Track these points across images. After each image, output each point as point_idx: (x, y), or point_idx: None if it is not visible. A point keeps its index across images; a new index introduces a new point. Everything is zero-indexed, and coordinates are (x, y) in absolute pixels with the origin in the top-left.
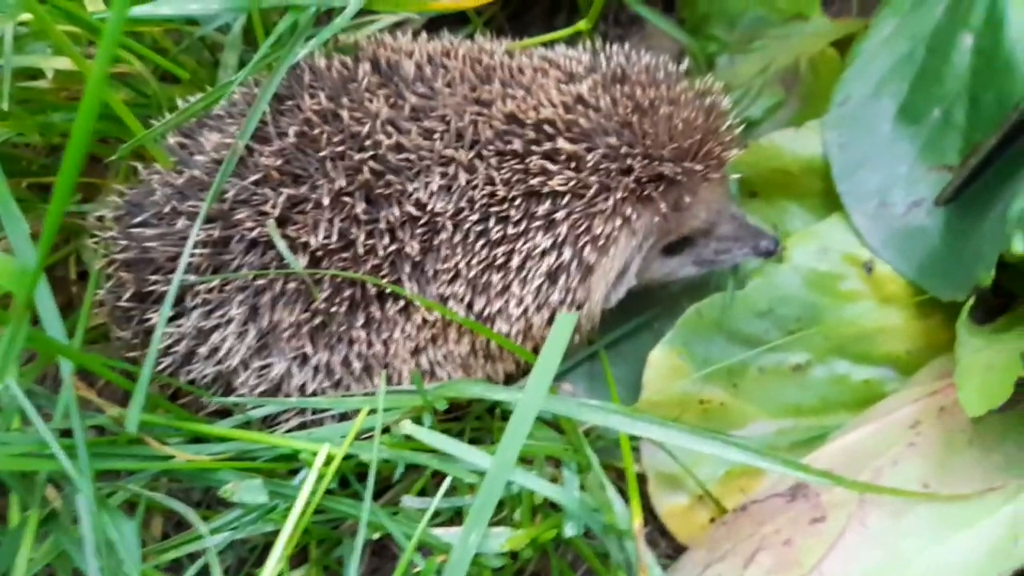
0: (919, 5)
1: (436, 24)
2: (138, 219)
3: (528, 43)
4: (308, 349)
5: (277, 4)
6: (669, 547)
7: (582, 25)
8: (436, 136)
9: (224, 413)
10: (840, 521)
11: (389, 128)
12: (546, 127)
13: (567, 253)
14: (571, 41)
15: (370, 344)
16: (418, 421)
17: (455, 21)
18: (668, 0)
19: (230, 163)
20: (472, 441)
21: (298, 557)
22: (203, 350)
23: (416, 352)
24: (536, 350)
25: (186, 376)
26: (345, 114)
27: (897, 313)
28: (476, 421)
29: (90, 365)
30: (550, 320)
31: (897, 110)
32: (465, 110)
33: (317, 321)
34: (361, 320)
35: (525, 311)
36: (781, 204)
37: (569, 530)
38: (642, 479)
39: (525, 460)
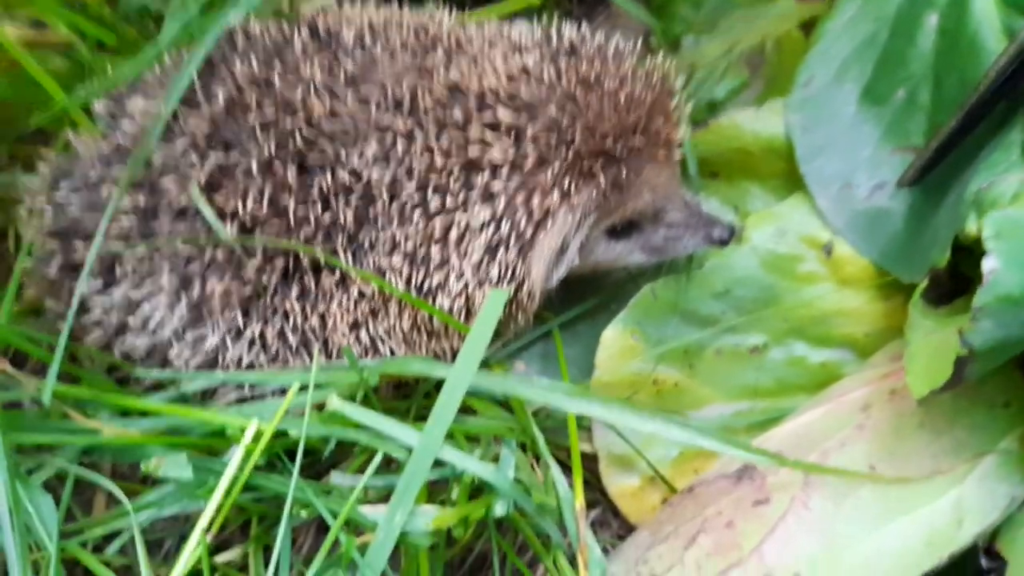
0: None
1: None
2: (64, 187)
3: (481, 13)
4: (241, 321)
5: None
6: (621, 528)
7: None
8: (373, 103)
9: (162, 388)
10: (782, 504)
11: (324, 94)
12: (487, 96)
13: (505, 227)
14: (529, 17)
15: (306, 317)
16: (354, 397)
17: None
18: None
19: (154, 129)
20: (419, 419)
21: (241, 534)
22: (134, 321)
23: (355, 327)
24: None
25: (120, 348)
26: (277, 79)
27: (855, 295)
28: (424, 399)
29: (9, 339)
30: None
31: (861, 92)
32: (405, 78)
33: (249, 291)
34: (296, 291)
35: (466, 286)
36: (742, 185)
37: (499, 509)
38: (594, 459)
39: (472, 439)
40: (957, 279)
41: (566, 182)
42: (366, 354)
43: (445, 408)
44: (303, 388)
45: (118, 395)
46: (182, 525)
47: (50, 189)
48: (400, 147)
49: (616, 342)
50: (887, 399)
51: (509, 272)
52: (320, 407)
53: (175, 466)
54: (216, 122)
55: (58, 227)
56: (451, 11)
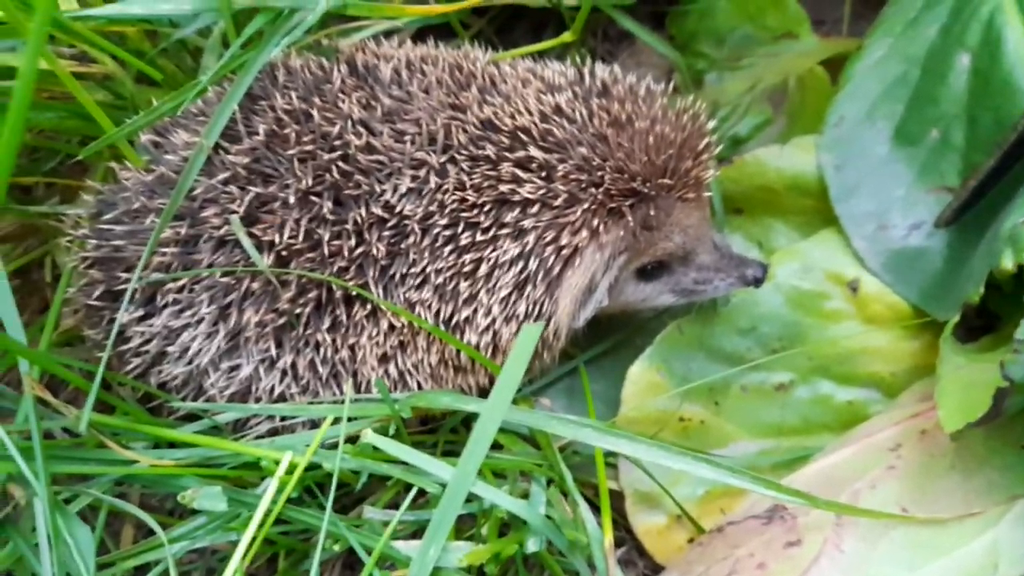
0: (912, 26)
1: (423, 36)
2: (109, 217)
3: (514, 53)
4: (274, 351)
5: (252, 4)
6: (647, 567)
7: (567, 36)
8: (408, 138)
9: (195, 418)
10: (815, 546)
11: (360, 129)
12: (520, 135)
13: (534, 263)
14: (559, 55)
15: (336, 349)
16: (385, 431)
17: (443, 35)
18: (657, 17)
19: (196, 161)
20: (445, 454)
21: (268, 569)
22: (173, 350)
23: (384, 360)
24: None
25: (157, 378)
26: (316, 114)
27: (882, 334)
28: (450, 434)
29: (47, 366)
30: (518, 333)
31: (893, 132)
32: (439, 114)
33: (282, 321)
34: (327, 323)
35: (493, 322)
36: (765, 222)
37: (531, 545)
38: (620, 497)
39: (499, 475)
40: (986, 316)
41: (595, 221)
42: (394, 388)
43: (478, 443)
44: (336, 421)
45: (153, 425)
46: (209, 558)
47: (93, 218)
48: (433, 182)
49: (642, 378)
50: (917, 439)
51: (536, 309)
52: (352, 440)
53: (210, 498)
54: (256, 155)
55: (101, 256)
56: (485, 50)
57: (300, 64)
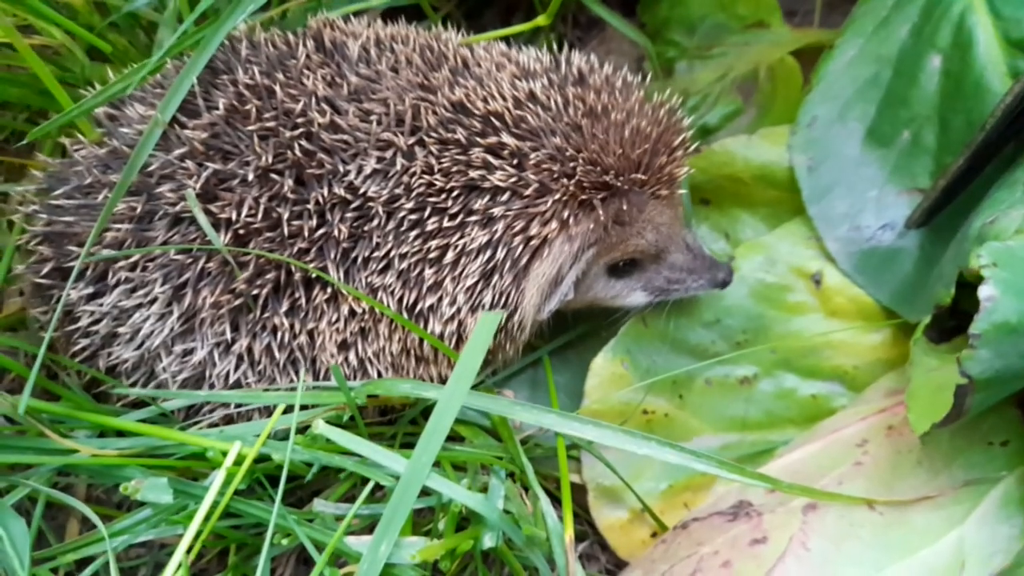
0: (883, 26)
1: (393, 18)
2: (60, 192)
3: (485, 36)
4: (229, 334)
5: None
6: (610, 561)
7: (541, 20)
8: (374, 118)
9: (145, 404)
10: (781, 544)
11: (325, 107)
12: (493, 120)
13: (501, 252)
14: (530, 39)
15: (295, 334)
16: (339, 420)
17: (411, 17)
18: (628, 4)
19: (151, 136)
20: (404, 446)
21: (219, 563)
22: (124, 331)
23: (344, 347)
24: None
25: (106, 361)
26: (279, 90)
27: (845, 327)
28: (410, 426)
29: None
30: None
31: (865, 133)
32: (408, 94)
33: (238, 303)
34: (286, 306)
35: (458, 311)
36: (733, 212)
37: (488, 541)
38: (583, 491)
39: (459, 468)
40: (959, 316)
41: (565, 213)
42: (354, 376)
43: (434, 432)
44: (289, 409)
45: (96, 413)
46: (156, 552)
47: (44, 194)
48: (400, 164)
49: (605, 370)
50: (884, 435)
51: (502, 299)
52: (305, 430)
53: (155, 490)
54: (216, 131)
55: (52, 231)
56: (456, 32)
57: (264, 38)
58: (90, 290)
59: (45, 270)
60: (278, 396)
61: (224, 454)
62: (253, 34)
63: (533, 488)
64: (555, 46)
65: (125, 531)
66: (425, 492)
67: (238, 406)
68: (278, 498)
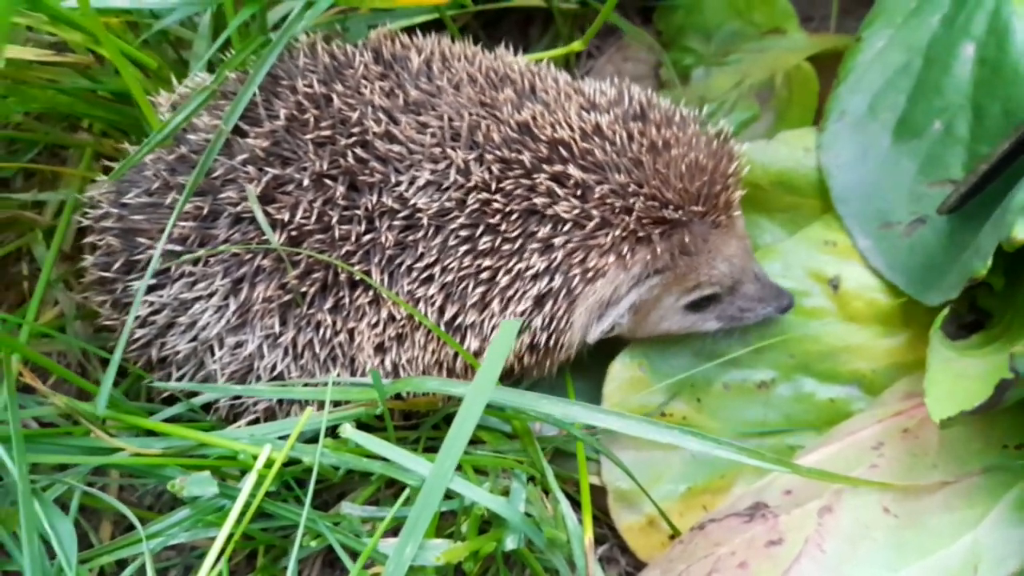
0: (914, 15)
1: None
2: (132, 193)
3: (532, 57)
4: (278, 328)
5: None
6: (630, 564)
7: (576, 46)
8: (430, 131)
9: (190, 396)
10: (796, 545)
11: (381, 116)
12: (560, 148)
13: (558, 280)
14: (548, 48)
15: (336, 331)
16: (367, 420)
17: (430, 29)
18: (645, 12)
19: (216, 144)
20: (426, 451)
21: (247, 565)
22: (183, 320)
23: (380, 350)
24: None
25: (159, 350)
26: (336, 99)
27: (862, 331)
28: (432, 430)
29: (33, 357)
30: (529, 346)
31: (895, 125)
32: (466, 111)
33: (287, 298)
34: (330, 303)
35: None
36: (751, 218)
37: (510, 543)
38: (603, 494)
39: (480, 471)
40: (976, 312)
41: (624, 247)
42: (385, 379)
43: (459, 432)
44: (320, 406)
45: (135, 415)
46: (187, 554)
47: (117, 194)
48: (452, 178)
49: (623, 374)
50: (900, 438)
51: (552, 323)
52: (334, 432)
53: (199, 484)
54: (276, 138)
55: (122, 227)
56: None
57: (323, 48)
58: (152, 282)
59: (116, 264)
60: (310, 392)
61: (255, 457)
62: (312, 44)
63: (553, 491)
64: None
65: (160, 533)
66: (448, 495)
67: (279, 400)
68: (307, 500)
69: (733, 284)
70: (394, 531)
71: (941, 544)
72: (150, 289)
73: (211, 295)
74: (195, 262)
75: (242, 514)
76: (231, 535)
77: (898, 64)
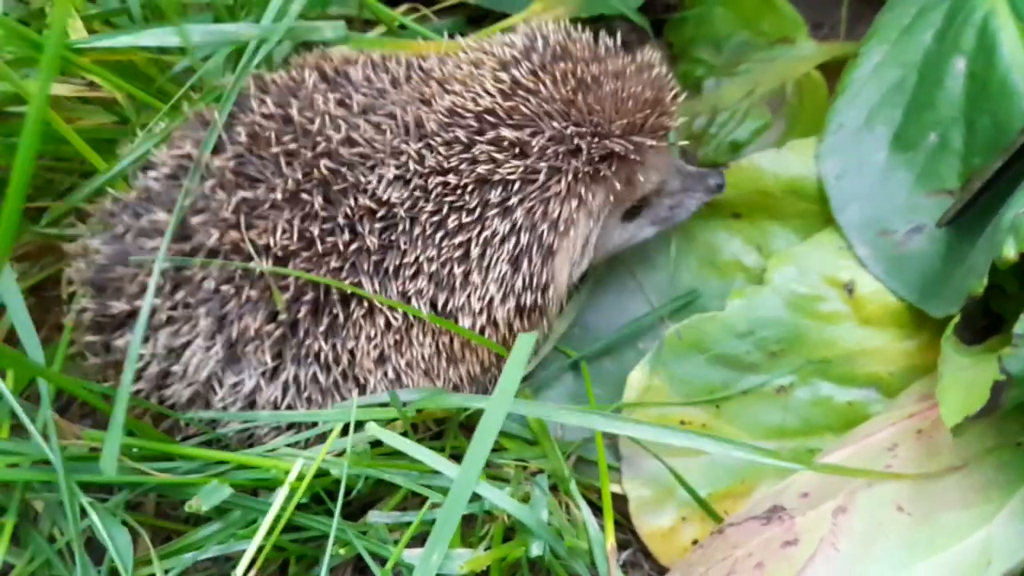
0: (907, 32)
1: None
2: (98, 239)
3: (491, 29)
4: (272, 363)
5: (257, 36)
6: (653, 569)
7: (537, 7)
8: (386, 128)
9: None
10: (811, 546)
11: (340, 123)
12: (487, 116)
13: (525, 238)
14: None
15: (336, 356)
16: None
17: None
18: (656, 24)
19: (192, 178)
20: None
21: (280, 574)
22: (177, 369)
23: (381, 360)
24: (503, 341)
25: (158, 398)
26: (295, 113)
27: (879, 334)
28: (455, 440)
29: (62, 384)
30: (516, 309)
31: (892, 137)
32: (409, 106)
33: (279, 332)
34: (325, 325)
35: (490, 302)
36: (764, 225)
37: (535, 550)
38: (624, 500)
39: (501, 478)
40: (990, 317)
41: (581, 188)
42: (391, 387)
43: (482, 439)
44: (344, 428)
45: (165, 443)
46: (223, 564)
47: (89, 247)
48: (412, 168)
49: (642, 383)
50: (914, 439)
51: (534, 281)
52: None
53: (211, 494)
54: (241, 160)
55: (93, 279)
56: (452, 36)
57: (269, 78)
58: (131, 337)
59: (87, 316)
60: (333, 414)
61: (286, 473)
62: (260, 76)
63: (575, 498)
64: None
65: (193, 546)
66: (471, 502)
67: (290, 427)
68: (337, 511)
69: (659, 187)
70: (420, 538)
71: (954, 540)
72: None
73: (197, 336)
74: (175, 306)
75: (272, 527)
76: (262, 547)
77: (894, 79)
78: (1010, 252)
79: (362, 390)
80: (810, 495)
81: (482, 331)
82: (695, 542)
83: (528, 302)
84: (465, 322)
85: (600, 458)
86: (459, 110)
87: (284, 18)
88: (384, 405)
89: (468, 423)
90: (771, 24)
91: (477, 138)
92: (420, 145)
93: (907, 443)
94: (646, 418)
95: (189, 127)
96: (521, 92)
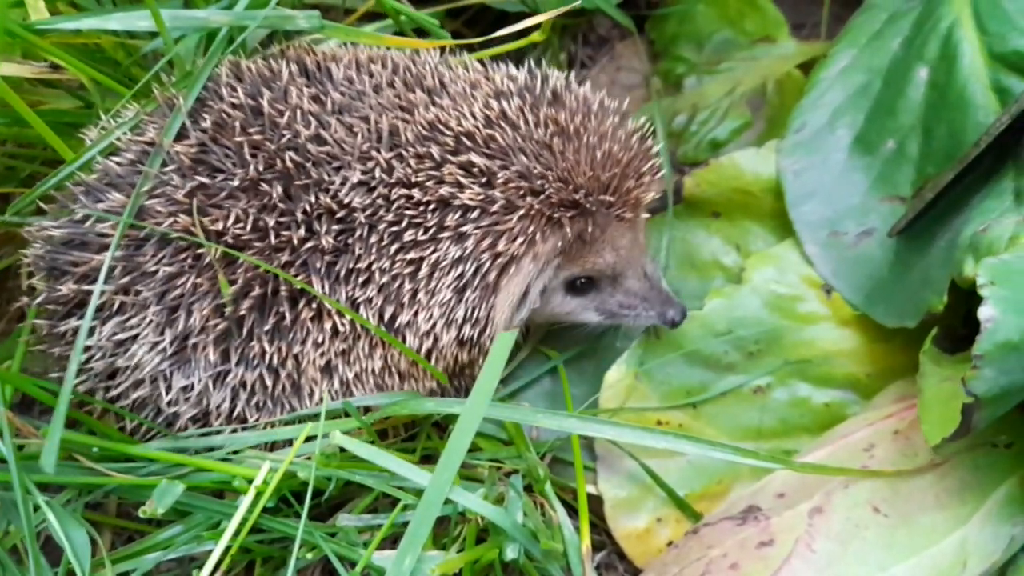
0: (877, 38)
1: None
2: (55, 227)
3: (484, 54)
4: (220, 363)
5: (230, 22)
6: (627, 570)
7: (536, 36)
8: (357, 131)
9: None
10: (787, 546)
11: (310, 119)
12: (464, 139)
13: (471, 268)
14: (539, 57)
15: (282, 359)
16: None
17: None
18: (637, 21)
19: (155, 160)
20: (424, 459)
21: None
22: (121, 363)
23: (328, 370)
24: (446, 370)
25: (104, 395)
26: (266, 104)
27: (856, 336)
28: (427, 441)
29: (18, 384)
30: (457, 340)
31: (852, 140)
32: (387, 113)
33: (224, 326)
34: (270, 324)
35: (433, 326)
36: (743, 224)
37: (510, 553)
38: (599, 501)
39: (476, 480)
40: (971, 325)
41: (532, 229)
42: (338, 398)
43: (457, 446)
44: (310, 437)
45: (126, 444)
46: (186, 565)
47: (45, 230)
48: (379, 176)
49: (620, 382)
50: (891, 440)
51: (473, 314)
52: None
53: (164, 495)
54: (204, 148)
55: (47, 261)
56: (459, 51)
57: (246, 65)
58: (76, 324)
59: (39, 301)
60: (297, 430)
61: (250, 482)
62: (238, 64)
63: (550, 499)
64: (544, 64)
65: (159, 546)
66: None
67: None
68: (304, 514)
69: (615, 275)
70: (390, 539)
71: (932, 541)
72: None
73: (146, 326)
74: (125, 293)
75: (238, 531)
76: (227, 549)
77: (859, 84)
78: (969, 270)
79: (311, 401)
80: (786, 495)
81: (428, 354)
82: (670, 543)
83: (468, 336)
84: (412, 342)
85: (576, 459)
86: (440, 126)
87: (259, 5)
88: (347, 415)
89: (443, 421)
90: (753, 23)
91: (449, 158)
92: (391, 155)
93: (884, 444)
94: (623, 419)
95: (157, 113)
96: (503, 124)
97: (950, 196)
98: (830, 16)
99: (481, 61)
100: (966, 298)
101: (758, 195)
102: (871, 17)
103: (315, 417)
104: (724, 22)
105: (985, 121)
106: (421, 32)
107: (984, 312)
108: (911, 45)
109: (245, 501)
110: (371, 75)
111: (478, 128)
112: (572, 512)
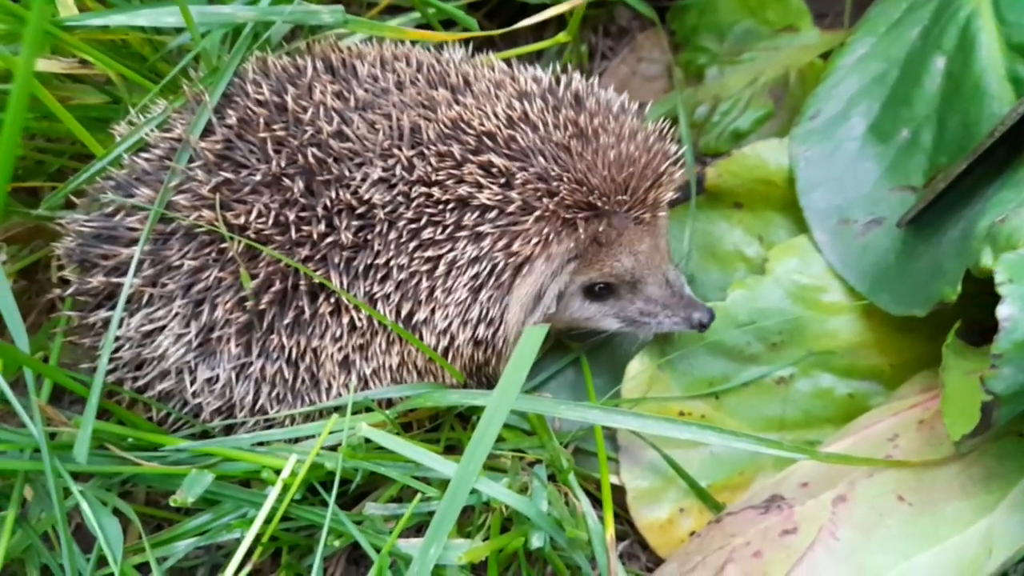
0: (896, 27)
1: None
2: (84, 216)
3: (509, 54)
4: (243, 356)
5: (257, 17)
6: (650, 560)
7: (562, 37)
8: (379, 128)
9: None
10: (810, 534)
11: (333, 115)
12: (486, 139)
13: (486, 267)
14: (559, 51)
15: (301, 352)
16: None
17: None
18: (660, 11)
19: (179, 159)
20: (448, 449)
21: (272, 563)
22: (148, 354)
23: (346, 364)
24: (462, 369)
25: (132, 384)
26: (290, 101)
27: (880, 326)
28: (451, 432)
29: (46, 373)
30: (472, 340)
31: (866, 129)
32: (410, 110)
33: (245, 319)
34: (289, 318)
35: (450, 324)
36: (765, 215)
37: (536, 541)
38: (622, 492)
39: (500, 469)
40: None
41: (547, 230)
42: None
43: (482, 438)
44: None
45: (157, 434)
46: (214, 553)
47: (78, 222)
48: (399, 173)
49: (641, 373)
50: (915, 429)
51: (487, 314)
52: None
53: (193, 484)
54: (229, 144)
55: (78, 254)
56: (484, 51)
57: (272, 62)
58: (107, 315)
59: (71, 292)
60: (323, 425)
61: (278, 473)
62: (264, 61)
63: (574, 489)
64: (572, 64)
65: (187, 534)
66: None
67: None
68: (331, 502)
69: (634, 281)
70: (416, 528)
71: (956, 530)
72: (108, 323)
73: (172, 318)
74: (152, 285)
75: (267, 521)
76: (258, 537)
77: (876, 72)
78: (987, 261)
79: (329, 395)
80: (810, 485)
81: (444, 353)
82: (692, 534)
83: (482, 336)
84: (429, 339)
85: (600, 449)
86: (462, 124)
87: (284, 1)
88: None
89: (466, 413)
90: (776, 13)
91: (470, 157)
92: (412, 153)
93: (908, 433)
94: (645, 409)
95: (185, 109)
96: (524, 125)
97: (962, 186)
98: (853, 5)
99: (507, 61)
100: (990, 289)
101: (780, 185)
102: (890, 6)
103: (339, 409)
104: (746, 12)
105: (1000, 111)
106: (446, 26)
107: (1002, 311)
108: (929, 35)
109: (274, 490)
110: (395, 72)
111: (500, 128)
112: (594, 502)
